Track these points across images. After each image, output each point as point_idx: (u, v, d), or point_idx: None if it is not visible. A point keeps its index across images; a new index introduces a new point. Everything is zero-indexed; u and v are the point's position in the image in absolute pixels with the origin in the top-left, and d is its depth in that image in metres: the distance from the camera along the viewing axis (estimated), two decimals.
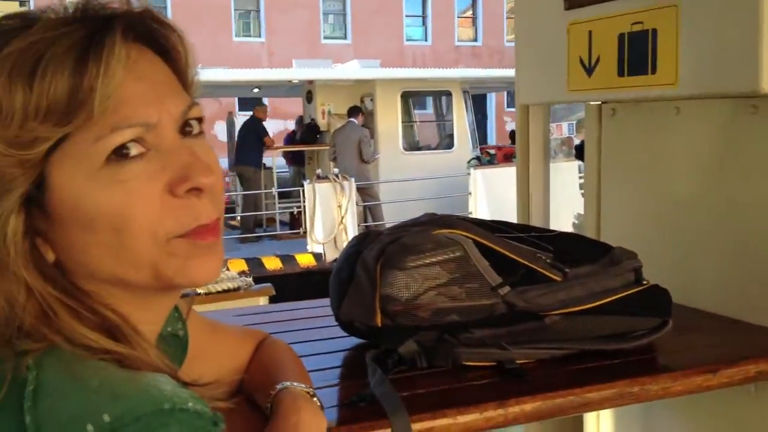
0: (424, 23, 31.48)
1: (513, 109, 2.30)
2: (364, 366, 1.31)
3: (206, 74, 13.40)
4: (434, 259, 1.30)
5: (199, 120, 0.77)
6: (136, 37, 0.73)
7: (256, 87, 14.48)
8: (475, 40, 32.20)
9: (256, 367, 1.10)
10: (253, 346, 1.14)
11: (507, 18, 31.88)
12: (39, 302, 0.69)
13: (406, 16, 30.91)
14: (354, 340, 1.49)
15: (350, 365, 1.43)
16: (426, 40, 31.47)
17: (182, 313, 1.01)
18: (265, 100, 14.00)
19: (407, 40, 31.08)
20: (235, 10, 28.37)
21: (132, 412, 0.61)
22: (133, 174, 0.70)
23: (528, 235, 1.41)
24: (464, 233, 1.34)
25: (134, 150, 0.70)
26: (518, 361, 1.33)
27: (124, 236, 0.70)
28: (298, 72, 14.06)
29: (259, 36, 28.18)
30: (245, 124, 12.46)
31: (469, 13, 31.91)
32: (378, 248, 1.34)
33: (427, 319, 1.30)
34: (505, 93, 25.77)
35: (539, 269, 1.33)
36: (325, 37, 29.47)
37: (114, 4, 0.73)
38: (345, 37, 29.99)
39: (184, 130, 0.75)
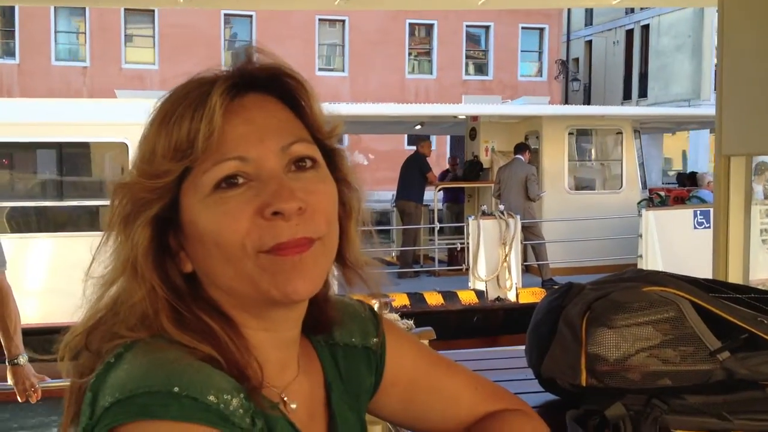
0: (429, 55, 29.89)
1: None
2: (561, 426, 1.26)
3: (369, 109, 13.71)
4: (646, 319, 1.24)
5: (311, 158, 0.87)
6: (258, 89, 0.88)
7: (419, 123, 14.63)
8: (486, 74, 30.51)
9: (478, 430, 1.06)
10: (492, 408, 1.08)
11: (521, 52, 30.29)
12: (148, 304, 0.82)
13: (409, 48, 29.46)
14: (546, 397, 1.44)
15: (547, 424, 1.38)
16: (431, 74, 29.85)
17: (378, 328, 1.05)
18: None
19: (410, 73, 29.61)
20: (225, 39, 27.84)
21: (146, 388, 0.73)
22: (231, 198, 0.82)
23: (747, 296, 1.31)
24: (677, 292, 1.27)
25: (239, 180, 0.83)
26: None
27: (222, 248, 0.82)
28: (464, 108, 14.08)
29: None
30: (409, 160, 12.56)
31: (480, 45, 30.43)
32: (583, 303, 1.29)
33: (637, 382, 1.24)
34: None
35: (762, 335, 1.24)
36: (320, 69, 28.31)
37: (248, 64, 0.88)
38: (342, 70, 28.96)
39: (298, 165, 0.86)
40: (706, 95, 26.26)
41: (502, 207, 10.30)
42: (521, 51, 30.62)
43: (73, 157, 9.87)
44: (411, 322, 5.20)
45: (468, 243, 10.24)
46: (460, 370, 1.10)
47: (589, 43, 33.36)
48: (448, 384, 1.07)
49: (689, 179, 14.72)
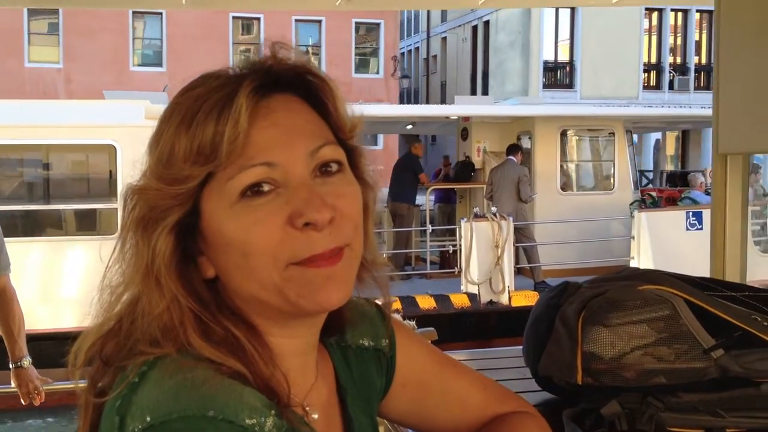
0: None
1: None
2: (558, 424, 1.26)
3: (359, 109, 13.55)
4: (642, 317, 1.24)
5: (337, 161, 0.84)
6: (282, 88, 0.84)
7: (410, 123, 14.59)
8: None
9: None
10: (500, 410, 1.06)
11: (356, 47, 28.85)
12: (172, 315, 0.79)
13: (234, 43, 27.63)
14: (543, 395, 1.44)
15: None
16: None
17: (388, 330, 1.03)
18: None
19: None
20: (29, 33, 26.02)
21: (181, 412, 0.70)
22: (260, 207, 0.79)
23: (741, 294, 1.32)
24: (673, 290, 1.27)
25: (266, 187, 0.79)
26: (728, 430, 1.24)
27: (250, 259, 0.79)
28: (456, 108, 14.04)
29: (57, 62, 25.62)
30: (401, 161, 12.53)
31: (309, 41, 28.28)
32: (579, 302, 1.30)
33: (632, 380, 1.24)
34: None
35: (756, 332, 1.25)
36: (136, 65, 26.78)
37: (272, 62, 0.84)
38: (160, 65, 26.97)
39: (323, 170, 0.83)
40: (534, 93, 25.15)
41: (494, 209, 10.28)
42: (356, 47, 29.07)
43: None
44: (413, 323, 5.18)
45: (460, 245, 10.23)
46: (467, 371, 1.09)
47: (445, 39, 32.94)
48: (456, 385, 1.06)
49: (681, 180, 14.77)
